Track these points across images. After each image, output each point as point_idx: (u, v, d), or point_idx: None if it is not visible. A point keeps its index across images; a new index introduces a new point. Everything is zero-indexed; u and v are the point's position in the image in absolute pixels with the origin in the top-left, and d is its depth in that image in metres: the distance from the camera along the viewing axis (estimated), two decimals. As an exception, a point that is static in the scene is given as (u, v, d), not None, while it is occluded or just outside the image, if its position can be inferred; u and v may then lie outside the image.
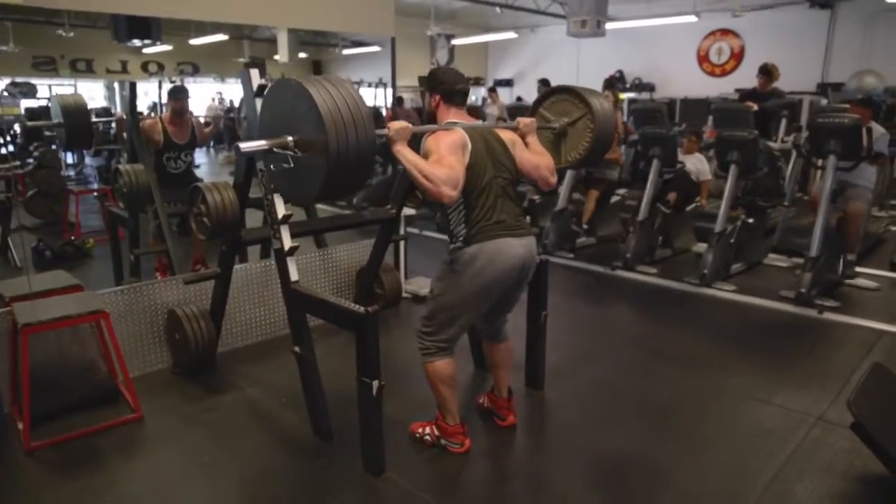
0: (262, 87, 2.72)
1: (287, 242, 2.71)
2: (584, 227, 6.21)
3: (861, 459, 2.62)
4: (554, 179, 2.68)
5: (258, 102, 2.70)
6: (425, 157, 2.35)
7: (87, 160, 9.30)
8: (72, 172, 8.80)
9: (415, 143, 2.39)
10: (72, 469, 2.61)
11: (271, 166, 2.15)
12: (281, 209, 2.72)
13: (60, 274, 3.36)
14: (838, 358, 3.77)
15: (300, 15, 4.14)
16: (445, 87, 2.54)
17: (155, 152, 4.43)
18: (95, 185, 7.92)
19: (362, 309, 2.38)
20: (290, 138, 2.00)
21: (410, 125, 2.33)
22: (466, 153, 2.39)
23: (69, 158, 9.27)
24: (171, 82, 12.88)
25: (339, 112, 1.89)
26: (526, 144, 2.66)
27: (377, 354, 2.40)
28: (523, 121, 2.70)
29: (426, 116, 2.70)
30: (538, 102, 3.06)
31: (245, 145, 2.01)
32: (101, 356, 3.16)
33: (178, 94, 4.63)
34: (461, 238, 2.45)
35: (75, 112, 3.90)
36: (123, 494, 2.46)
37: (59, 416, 2.91)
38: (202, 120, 5.15)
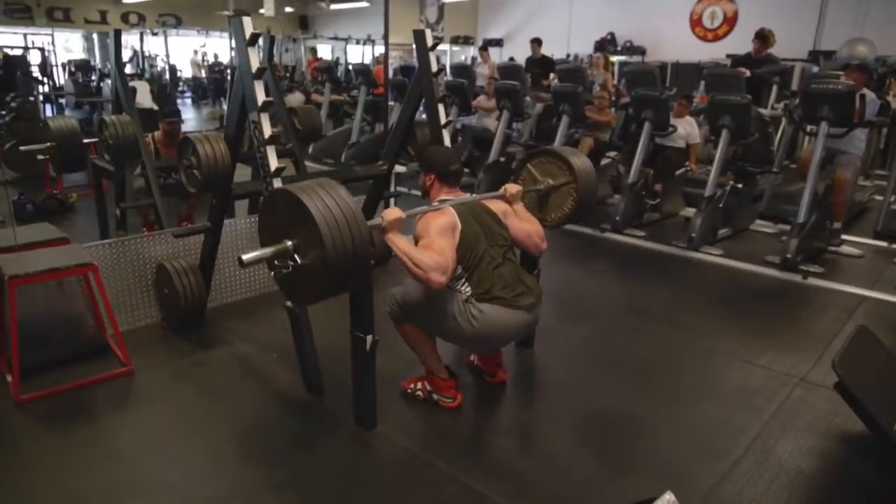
0: (254, 36, 2.64)
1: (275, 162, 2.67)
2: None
3: (840, 418, 2.70)
4: (545, 245, 2.82)
5: (251, 52, 2.64)
6: (417, 239, 2.43)
7: (68, 112, 9.06)
8: (52, 125, 8.55)
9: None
10: (62, 421, 2.61)
11: (272, 273, 2.20)
12: (274, 162, 2.68)
13: (46, 226, 3.30)
14: (821, 322, 3.84)
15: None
16: (440, 168, 2.66)
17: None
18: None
19: (357, 264, 2.36)
20: (289, 243, 2.05)
21: (402, 214, 2.37)
22: (456, 232, 2.46)
23: (49, 111, 9.02)
24: (153, 34, 12.57)
25: (334, 218, 1.95)
26: (514, 212, 2.76)
27: (371, 309, 2.41)
28: (510, 189, 2.80)
29: (420, 190, 2.80)
30: (522, 164, 3.15)
31: (248, 257, 2.03)
32: (88, 310, 3.13)
33: (172, 118, 4.57)
34: (473, 296, 2.48)
35: (67, 135, 3.79)
36: (115, 446, 2.47)
37: (48, 370, 2.89)
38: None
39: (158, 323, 3.49)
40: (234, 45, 2.74)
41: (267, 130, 2.66)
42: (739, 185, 5.29)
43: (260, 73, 2.62)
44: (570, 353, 3.37)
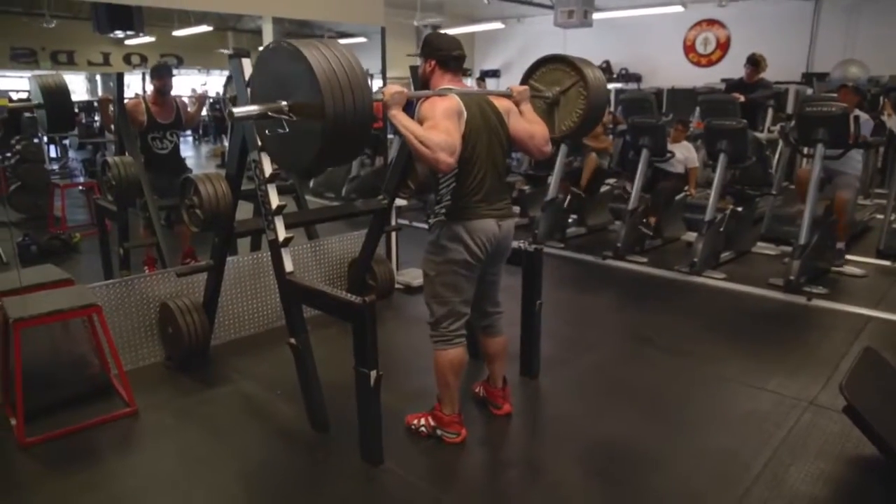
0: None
1: (282, 233, 2.69)
2: (582, 191, 6.21)
3: (852, 442, 2.67)
4: (549, 148, 2.66)
5: (250, 92, 2.68)
6: (420, 122, 2.29)
7: (71, 153, 9.16)
8: (56, 166, 8.65)
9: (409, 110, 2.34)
10: (68, 464, 2.59)
11: (266, 131, 2.08)
12: (275, 200, 2.71)
13: (50, 268, 3.31)
14: (827, 344, 3.81)
15: (286, 4, 4.10)
16: (442, 53, 2.48)
17: (139, 133, 4.37)
18: (81, 179, 7.80)
19: (359, 299, 2.37)
20: (284, 103, 1.94)
21: (405, 90, 2.27)
22: (462, 120, 2.34)
23: (52, 152, 9.12)
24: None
25: (335, 74, 1.83)
26: (520, 113, 2.62)
27: (375, 344, 2.40)
28: (516, 88, 2.65)
29: (419, 84, 2.65)
30: (528, 73, 3.01)
31: (239, 110, 1.96)
32: (92, 350, 3.13)
33: (161, 73, 4.57)
34: (444, 211, 2.45)
35: (55, 92, 3.83)
36: (121, 489, 2.44)
37: (52, 412, 2.88)
38: (187, 99, 5.07)
39: (163, 362, 3.48)
40: (234, 81, 2.78)
41: (268, 169, 2.69)
42: (739, 209, 5.31)
43: (253, 118, 2.65)
44: (575, 384, 3.35)
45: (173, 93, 4.74)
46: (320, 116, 1.83)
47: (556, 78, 2.91)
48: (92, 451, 2.68)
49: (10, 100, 9.66)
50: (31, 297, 2.83)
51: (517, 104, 2.62)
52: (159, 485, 2.47)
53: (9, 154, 7.27)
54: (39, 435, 2.71)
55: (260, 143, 2.63)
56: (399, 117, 2.22)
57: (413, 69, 3.46)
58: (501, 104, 2.55)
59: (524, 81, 2.99)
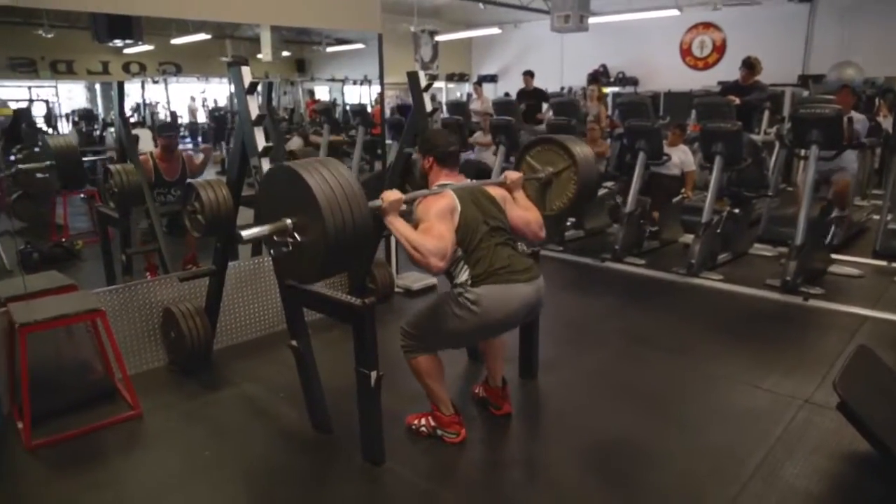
0: (253, 85, 2.74)
1: (282, 238, 2.73)
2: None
3: (847, 439, 2.70)
4: (543, 234, 2.82)
5: (250, 100, 2.73)
6: (417, 223, 2.45)
7: (73, 162, 9.20)
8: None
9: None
10: (73, 467, 2.63)
11: (271, 251, 2.20)
12: (276, 205, 2.74)
13: (54, 274, 3.36)
14: (824, 343, 3.85)
15: (284, 12, 4.15)
16: (439, 150, 2.67)
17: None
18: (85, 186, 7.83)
19: (359, 301, 2.41)
20: (288, 221, 2.05)
21: (402, 196, 2.41)
22: (456, 215, 2.48)
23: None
24: (154, 82, 12.81)
25: (333, 193, 1.94)
26: (514, 199, 2.78)
27: (375, 345, 2.44)
28: (510, 175, 2.83)
29: (419, 177, 2.87)
30: (525, 150, 3.17)
31: (247, 233, 2.06)
32: (96, 355, 3.17)
33: (168, 132, 4.73)
34: (469, 281, 2.50)
35: (66, 152, 3.95)
36: (127, 490, 2.48)
37: (58, 416, 2.91)
38: (192, 153, 5.19)
39: (166, 366, 3.52)
40: (233, 90, 2.83)
41: (268, 174, 2.73)
42: (736, 210, 5.35)
43: (259, 120, 2.71)
44: (574, 384, 3.38)
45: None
46: (322, 235, 1.95)
47: (549, 158, 3.06)
48: (98, 453, 2.72)
49: (14, 111, 9.71)
50: (36, 302, 2.88)
51: (510, 191, 2.79)
52: (164, 486, 2.51)
53: (11, 159, 7.31)
54: (46, 438, 2.74)
55: (265, 145, 2.71)
56: (395, 223, 2.39)
57: (411, 76, 3.52)
58: (496, 192, 2.73)
59: (521, 156, 3.16)
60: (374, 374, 2.44)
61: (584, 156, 2.95)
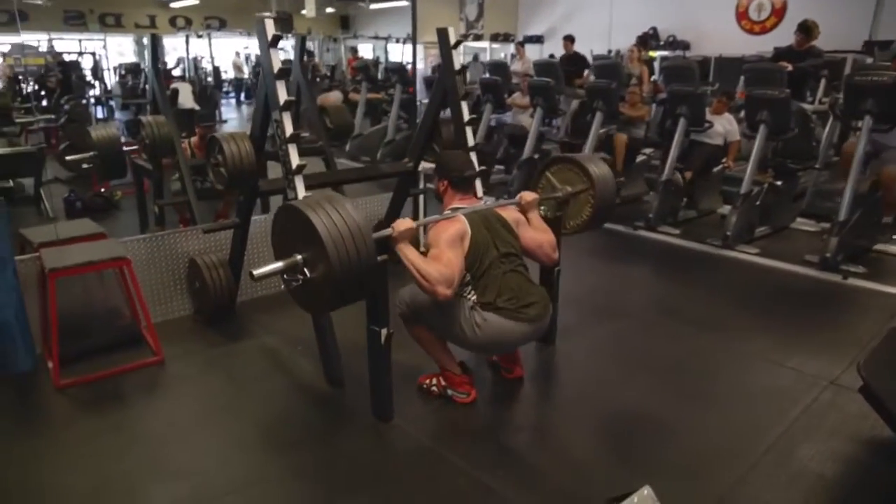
0: (276, 38, 2.71)
1: (301, 192, 2.74)
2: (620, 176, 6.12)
3: (869, 423, 2.60)
4: (556, 256, 2.83)
5: (273, 53, 2.72)
6: (428, 248, 2.48)
7: (117, 114, 9.45)
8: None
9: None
10: (96, 406, 2.75)
11: (282, 286, 2.32)
12: (295, 159, 2.75)
13: (86, 222, 3.47)
14: (859, 324, 3.70)
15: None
16: (454, 174, 2.68)
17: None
18: (123, 139, 8.04)
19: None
20: (299, 257, 2.11)
21: (413, 225, 2.41)
22: (466, 240, 2.48)
23: (99, 113, 9.42)
24: (198, 37, 12.96)
25: (339, 233, 2.01)
26: (528, 220, 2.77)
27: (386, 303, 2.45)
28: (525, 196, 2.81)
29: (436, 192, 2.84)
30: (542, 171, 3.15)
31: (259, 271, 2.11)
32: (125, 302, 3.28)
33: (206, 122, 4.84)
34: (476, 302, 2.51)
35: (108, 143, 4.04)
36: (145, 430, 2.59)
37: (86, 358, 3.04)
38: None
39: (191, 315, 3.62)
40: (258, 43, 2.81)
41: (289, 129, 2.73)
42: (778, 183, 5.14)
43: (282, 74, 2.69)
44: (593, 352, 3.35)
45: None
46: (327, 273, 2.01)
47: (567, 177, 3.05)
48: (120, 394, 2.83)
49: (60, 63, 9.99)
50: (66, 248, 2.98)
51: (525, 212, 2.78)
52: (181, 429, 2.61)
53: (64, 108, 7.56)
54: (73, 378, 2.87)
55: (286, 98, 2.71)
56: (405, 251, 2.39)
57: (440, 32, 3.43)
58: (510, 215, 2.71)
59: (541, 172, 3.14)
60: (384, 332, 2.46)
61: (602, 177, 2.96)
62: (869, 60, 8.28)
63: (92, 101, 8.56)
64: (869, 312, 3.86)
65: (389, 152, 7.97)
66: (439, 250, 2.42)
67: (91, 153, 4.03)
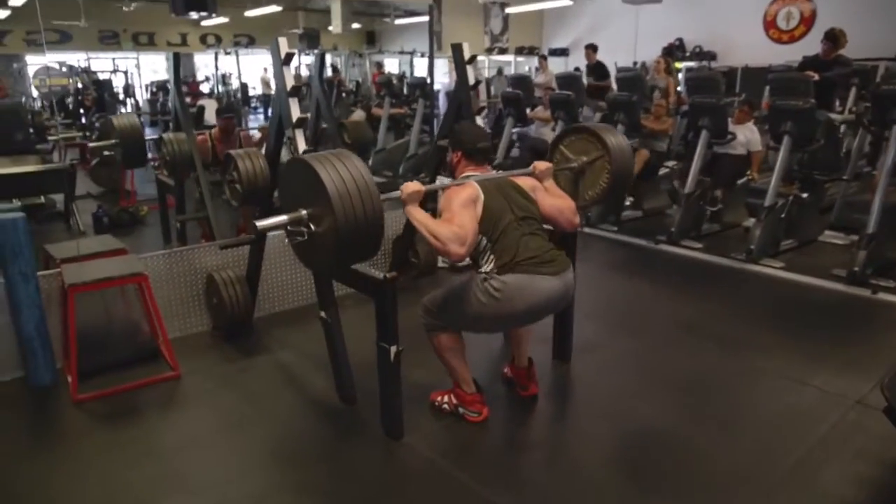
0: (289, 56, 2.75)
1: (313, 209, 2.76)
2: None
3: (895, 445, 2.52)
4: (577, 220, 2.75)
5: (286, 71, 2.75)
6: (440, 214, 2.44)
7: (147, 131, 9.68)
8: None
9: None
10: (113, 420, 2.79)
11: (286, 240, 2.29)
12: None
13: (108, 238, 3.54)
14: (888, 340, 3.60)
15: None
16: (468, 146, 2.64)
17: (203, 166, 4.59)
18: (150, 155, 8.22)
19: (381, 275, 2.42)
20: (304, 212, 2.10)
21: (422, 187, 2.40)
22: (479, 204, 2.44)
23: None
24: (226, 54, 13.24)
25: (346, 188, 1.97)
26: (545, 189, 2.72)
27: (395, 320, 2.45)
28: (539, 165, 2.75)
29: (449, 170, 2.86)
30: (557, 140, 3.08)
31: (262, 223, 2.13)
32: (144, 317, 3.33)
33: (226, 114, 4.83)
34: (494, 270, 2.46)
35: (130, 132, 4.15)
36: (159, 446, 2.61)
37: (105, 373, 3.09)
38: (249, 132, 5.32)
39: (210, 330, 3.66)
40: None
41: (301, 146, 2.76)
42: (804, 195, 5.02)
43: (294, 91, 2.73)
44: (610, 369, 3.29)
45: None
46: (333, 227, 1.98)
47: (583, 147, 2.96)
48: (136, 409, 2.87)
49: (95, 81, 10.30)
50: (86, 264, 3.05)
51: (540, 180, 2.72)
52: (195, 444, 2.63)
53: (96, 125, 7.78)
54: (91, 393, 2.92)
55: (299, 116, 2.74)
56: (414, 213, 2.39)
57: (455, 47, 3.45)
58: (525, 183, 2.66)
59: (554, 146, 3.06)
60: (393, 349, 2.45)
61: (617, 145, 2.86)
62: (901, 69, 8.07)
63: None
64: (899, 329, 3.74)
65: (411, 167, 8.00)
66: (451, 213, 2.38)
67: (113, 141, 4.12)
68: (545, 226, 2.66)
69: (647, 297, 4.42)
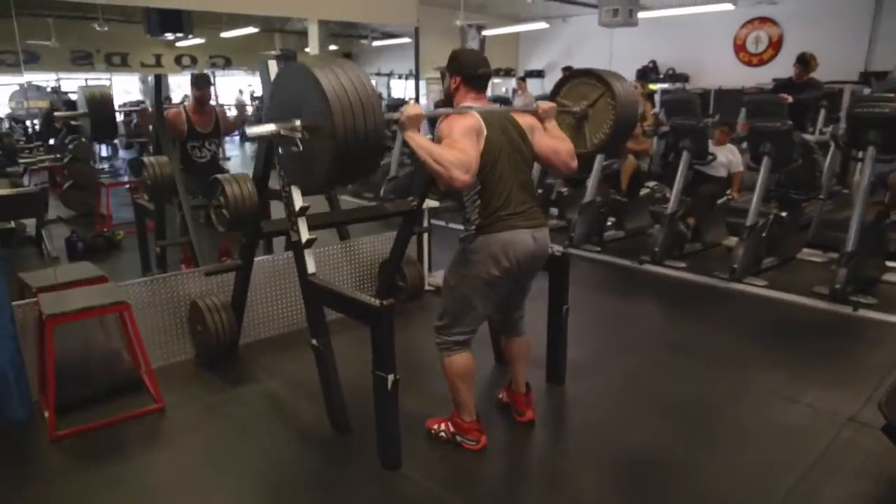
0: (279, 79, 2.71)
1: (304, 234, 2.70)
2: (624, 195, 6.09)
3: (893, 462, 2.52)
4: (574, 164, 2.62)
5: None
6: (438, 141, 2.30)
7: (121, 153, 9.50)
8: (105, 165, 8.98)
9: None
10: (94, 459, 2.66)
11: (279, 149, 2.16)
12: (298, 201, 2.72)
13: (86, 265, 3.42)
14: (873, 357, 3.63)
15: (325, 5, 4.15)
16: (468, 70, 2.48)
17: (180, 142, 4.46)
18: (126, 178, 8.07)
19: (377, 302, 2.36)
20: (297, 122, 1.99)
21: (422, 111, 2.30)
22: (481, 139, 2.33)
23: (103, 151, 9.48)
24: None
25: (347, 96, 1.86)
26: (545, 129, 2.61)
27: (392, 348, 2.39)
28: (543, 105, 2.63)
29: (444, 97, 2.68)
30: (556, 89, 3.01)
31: (252, 130, 2.01)
32: (125, 346, 3.22)
33: (200, 83, 4.63)
34: (475, 225, 2.42)
35: (100, 102, 3.98)
36: (144, 485, 2.49)
37: (84, 406, 2.97)
38: (228, 108, 5.15)
39: (193, 358, 3.55)
40: (261, 83, 2.81)
41: (292, 169, 2.70)
42: (783, 214, 5.10)
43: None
44: (603, 392, 3.27)
45: (215, 100, 4.83)
46: (331, 136, 1.86)
47: (582, 92, 2.90)
48: (118, 445, 2.75)
49: (66, 102, 10.09)
50: (64, 293, 2.93)
51: (542, 121, 2.62)
52: (183, 481, 2.52)
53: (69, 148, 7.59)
54: (69, 428, 2.79)
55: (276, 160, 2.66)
56: (414, 137, 2.26)
57: (441, 70, 3.43)
58: (525, 121, 2.55)
59: (552, 98, 2.97)
60: (390, 378, 2.39)
61: (619, 84, 2.77)
62: (866, 91, 8.33)
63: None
64: (882, 344, 3.80)
65: (392, 189, 7.97)
66: (452, 140, 2.24)
67: (82, 112, 3.97)
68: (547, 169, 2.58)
69: (635, 317, 4.42)
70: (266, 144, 2.88)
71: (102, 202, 6.32)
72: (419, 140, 2.25)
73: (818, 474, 2.50)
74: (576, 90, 2.92)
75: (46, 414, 2.82)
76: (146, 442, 2.80)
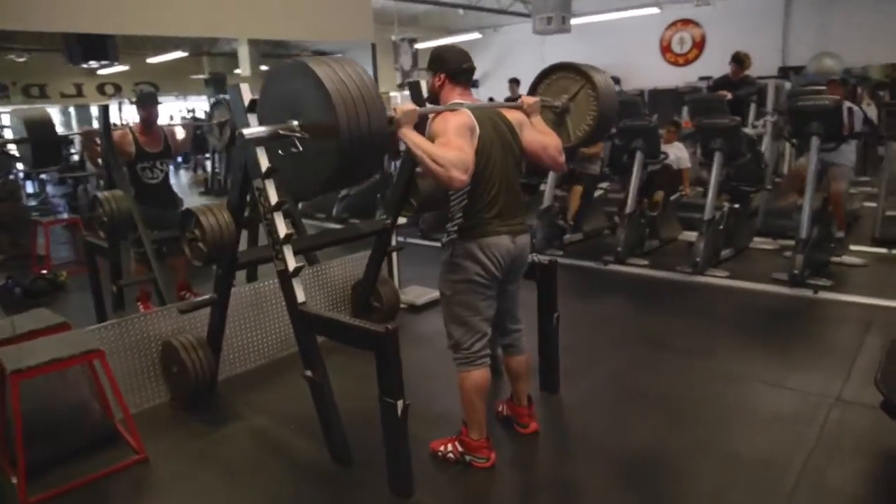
0: (253, 102, 2.58)
1: (291, 263, 2.59)
2: (571, 223, 6.17)
3: (886, 436, 2.62)
4: (563, 159, 2.62)
5: (251, 118, 2.57)
6: (431, 139, 2.25)
7: (50, 188, 8.95)
8: (34, 202, 8.43)
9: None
10: (77, 521, 2.45)
11: (279, 151, 2.06)
12: (282, 228, 2.61)
13: (43, 312, 3.16)
14: (840, 336, 3.79)
15: (264, 25, 4.02)
16: (451, 66, 2.43)
17: (128, 164, 4.21)
18: (65, 215, 7.59)
19: (382, 327, 2.28)
20: (295, 122, 1.91)
21: (417, 108, 2.24)
22: (475, 137, 2.29)
23: (30, 188, 8.91)
24: (132, 103, 12.58)
25: (348, 90, 1.79)
26: (532, 125, 2.58)
27: (400, 372, 2.30)
28: (527, 100, 2.61)
29: (428, 97, 2.64)
30: (534, 85, 2.99)
31: (248, 131, 1.90)
32: (94, 396, 2.98)
33: (146, 102, 4.41)
34: (456, 230, 2.39)
35: (41, 126, 3.74)
36: (138, 543, 2.31)
37: (56, 465, 2.72)
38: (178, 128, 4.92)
39: (168, 402, 3.33)
40: (232, 108, 2.67)
41: (273, 197, 2.59)
42: (736, 206, 5.29)
43: (262, 141, 2.55)
44: (596, 396, 3.27)
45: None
46: (334, 134, 1.77)
47: (562, 87, 2.89)
48: (102, 504, 2.54)
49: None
50: (27, 345, 2.69)
51: (528, 115, 2.59)
52: (178, 536, 2.34)
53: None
54: (43, 493, 2.54)
55: (268, 165, 2.53)
56: (410, 135, 2.19)
57: (413, 86, 3.37)
58: (513, 117, 2.52)
59: (531, 94, 2.95)
60: (400, 404, 2.30)
61: (599, 75, 2.77)
62: (787, 85, 8.81)
63: (21, 175, 8.06)
64: (846, 323, 3.97)
65: (345, 207, 7.82)
66: (447, 138, 2.19)
67: (20, 137, 3.73)
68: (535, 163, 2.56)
69: (611, 318, 4.46)
70: (241, 172, 2.74)
71: (39, 242, 5.89)
72: (416, 138, 2.18)
73: (820, 457, 2.56)
74: (555, 85, 2.91)
75: (15, 480, 2.56)
76: (132, 499, 2.60)
